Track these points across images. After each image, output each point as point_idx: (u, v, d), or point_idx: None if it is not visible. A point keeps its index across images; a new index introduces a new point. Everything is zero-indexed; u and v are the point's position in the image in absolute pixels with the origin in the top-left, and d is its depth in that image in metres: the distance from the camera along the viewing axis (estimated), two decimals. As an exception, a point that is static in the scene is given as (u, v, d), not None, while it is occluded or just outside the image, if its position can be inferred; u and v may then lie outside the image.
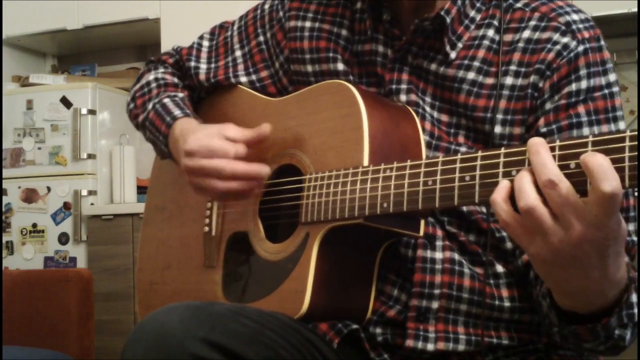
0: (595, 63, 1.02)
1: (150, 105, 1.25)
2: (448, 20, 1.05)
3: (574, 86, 1.01)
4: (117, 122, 3.42)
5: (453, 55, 1.07)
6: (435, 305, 1.03)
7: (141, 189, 3.39)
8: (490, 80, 1.05)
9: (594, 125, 1.00)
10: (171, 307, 0.91)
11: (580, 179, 0.74)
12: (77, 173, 3.32)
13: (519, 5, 1.07)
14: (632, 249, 0.99)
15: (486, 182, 0.83)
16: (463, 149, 1.05)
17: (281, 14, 1.23)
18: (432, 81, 1.08)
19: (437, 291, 1.03)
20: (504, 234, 1.04)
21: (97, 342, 2.13)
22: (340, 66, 1.15)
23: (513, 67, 1.04)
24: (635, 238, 1.01)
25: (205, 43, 1.33)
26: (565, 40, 1.02)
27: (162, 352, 0.86)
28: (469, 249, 1.05)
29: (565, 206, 0.74)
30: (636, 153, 0.72)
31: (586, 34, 1.03)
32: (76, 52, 4.08)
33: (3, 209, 3.38)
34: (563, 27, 1.03)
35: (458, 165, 0.86)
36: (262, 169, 1.08)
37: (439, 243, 1.04)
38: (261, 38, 1.26)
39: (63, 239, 3.29)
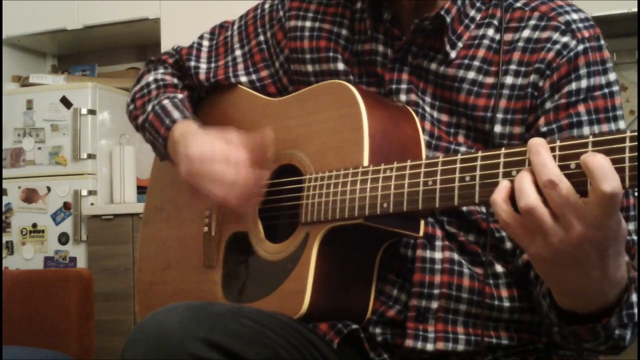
0: (595, 62, 1.02)
1: (149, 107, 1.24)
2: (448, 19, 1.05)
3: (574, 85, 1.01)
4: (117, 122, 3.42)
5: (453, 54, 1.07)
6: (434, 305, 1.03)
7: (141, 189, 3.40)
8: (490, 80, 1.05)
9: (594, 124, 1.00)
10: (171, 307, 0.91)
11: (580, 179, 0.74)
12: (77, 173, 3.32)
13: (518, 4, 1.07)
14: (632, 248, 0.99)
15: (486, 182, 0.83)
16: (463, 148, 1.05)
17: (281, 13, 1.23)
18: (432, 81, 1.08)
19: (436, 291, 1.03)
20: (504, 234, 1.04)
21: (97, 342, 2.13)
22: (341, 66, 1.15)
23: (513, 67, 1.04)
24: (635, 237, 1.01)
25: (205, 43, 1.33)
26: (565, 39, 1.02)
27: (162, 352, 0.86)
28: (468, 249, 1.05)
29: (566, 206, 0.74)
30: (636, 153, 0.72)
31: (586, 33, 1.03)
32: (76, 52, 4.09)
33: (3, 209, 3.38)
34: (563, 27, 1.03)
35: (458, 165, 0.86)
36: (263, 176, 1.07)
37: (438, 243, 1.04)
38: (261, 38, 1.26)
39: (63, 239, 3.29)
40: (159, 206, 1.35)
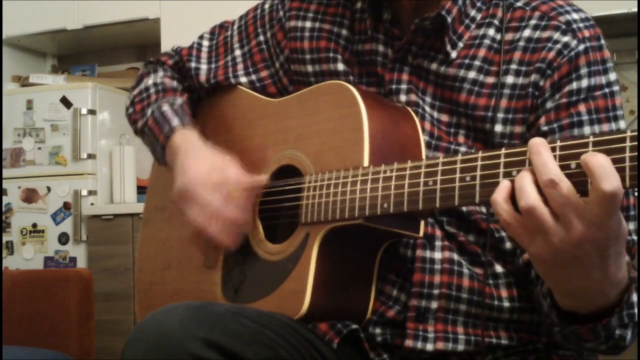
0: (595, 62, 1.02)
1: (149, 112, 1.24)
2: (449, 19, 1.05)
3: (574, 85, 1.01)
4: (117, 122, 3.42)
5: (454, 54, 1.07)
6: (434, 305, 1.03)
7: (141, 189, 3.40)
8: (491, 79, 1.05)
9: (595, 124, 1.01)
10: (171, 307, 0.91)
11: (581, 179, 0.74)
12: (77, 173, 3.32)
13: (519, 4, 1.07)
14: (632, 248, 0.99)
15: (487, 182, 0.82)
16: (463, 148, 1.05)
17: (281, 13, 1.23)
18: (432, 81, 1.08)
19: (436, 291, 1.03)
20: (503, 234, 1.04)
21: (97, 342, 2.13)
22: (341, 66, 1.15)
23: (514, 66, 1.04)
24: (635, 237, 1.01)
25: (206, 43, 1.32)
26: (565, 39, 1.02)
27: (162, 352, 0.86)
28: (468, 249, 1.05)
29: (566, 206, 0.74)
30: (636, 153, 0.72)
31: (586, 33, 1.03)
32: (76, 52, 4.09)
33: (3, 209, 3.38)
34: (563, 26, 1.03)
35: (458, 165, 0.86)
36: (247, 218, 1.09)
37: (438, 243, 1.04)
38: (261, 38, 1.26)
39: (63, 239, 3.29)
40: (159, 206, 1.35)
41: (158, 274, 1.30)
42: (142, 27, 3.61)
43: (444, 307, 1.03)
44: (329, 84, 1.09)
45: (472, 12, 1.08)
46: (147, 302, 1.31)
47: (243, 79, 1.25)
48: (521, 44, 1.04)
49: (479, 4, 1.08)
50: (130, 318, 3.08)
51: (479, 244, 1.05)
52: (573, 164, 0.75)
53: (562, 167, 0.75)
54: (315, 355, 0.97)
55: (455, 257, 1.04)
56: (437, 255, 1.03)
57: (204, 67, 1.29)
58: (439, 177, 0.88)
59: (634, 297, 0.87)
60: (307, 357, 0.95)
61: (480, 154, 0.84)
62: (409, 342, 1.02)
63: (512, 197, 0.78)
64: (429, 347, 1.02)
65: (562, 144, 0.76)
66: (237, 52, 1.28)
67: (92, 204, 3.28)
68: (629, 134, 0.73)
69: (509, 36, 1.05)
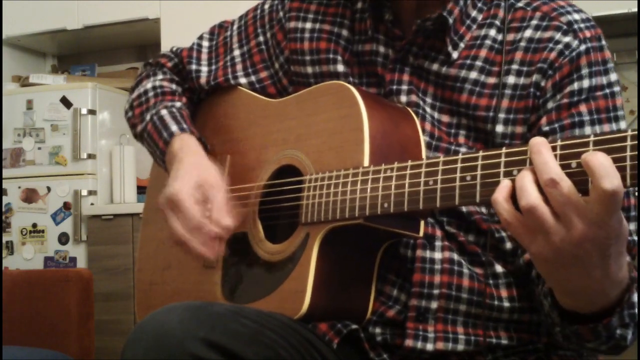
0: (596, 62, 1.02)
1: (148, 117, 1.24)
2: (451, 20, 1.05)
3: (575, 85, 1.01)
4: (117, 122, 3.42)
5: (455, 55, 1.07)
6: (434, 305, 1.03)
7: (141, 189, 3.40)
8: (492, 80, 1.05)
9: (596, 124, 1.01)
10: (171, 307, 0.91)
11: (581, 178, 0.74)
12: (77, 173, 3.32)
13: (520, 4, 1.07)
14: (632, 248, 0.99)
15: (487, 181, 0.82)
16: (463, 149, 1.05)
17: (281, 14, 1.23)
18: (433, 81, 1.08)
19: (436, 291, 1.02)
20: (503, 234, 1.04)
21: (97, 342, 2.13)
22: (340, 68, 1.14)
23: (515, 66, 1.04)
24: (636, 238, 1.01)
25: (205, 43, 1.32)
26: (567, 39, 1.02)
27: (162, 352, 0.85)
28: (468, 249, 1.05)
29: (567, 205, 0.74)
30: (637, 152, 0.72)
31: (588, 34, 1.03)
32: (76, 52, 4.09)
33: (3, 209, 3.38)
34: (565, 27, 1.03)
35: (459, 165, 0.86)
36: (222, 243, 1.07)
37: (438, 243, 1.04)
38: (261, 38, 1.26)
39: (63, 239, 3.29)
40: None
41: (158, 274, 1.30)
42: (142, 27, 3.61)
43: (444, 307, 1.03)
44: (329, 84, 1.09)
45: (473, 13, 1.08)
46: (147, 302, 1.31)
47: (242, 80, 1.25)
48: (522, 44, 1.04)
49: (480, 5, 1.08)
50: (130, 318, 3.08)
51: (479, 244, 1.05)
52: (574, 163, 0.75)
53: (563, 167, 0.75)
54: (315, 355, 0.97)
55: (456, 257, 1.04)
56: (437, 255, 1.03)
57: (204, 69, 1.29)
58: (439, 177, 0.88)
59: (635, 297, 0.87)
60: (307, 357, 0.95)
61: (480, 154, 0.84)
62: (409, 342, 1.02)
63: (513, 197, 0.78)
64: (429, 347, 1.02)
65: (562, 143, 0.77)
66: (237, 52, 1.27)
67: (92, 204, 3.28)
68: (629, 133, 0.73)
69: (510, 36, 1.05)
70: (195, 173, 1.09)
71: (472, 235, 1.05)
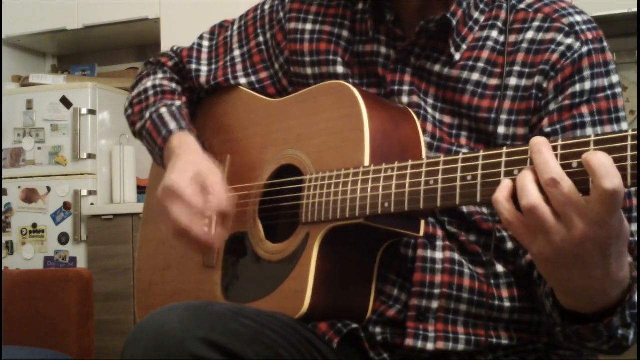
0: (598, 64, 1.02)
1: (147, 114, 1.24)
2: (454, 22, 1.05)
3: (577, 87, 1.01)
4: (117, 122, 3.42)
5: (457, 56, 1.06)
6: (435, 305, 1.03)
7: (141, 189, 3.40)
8: (494, 81, 1.05)
9: (597, 125, 1.01)
10: (171, 307, 0.91)
11: (582, 178, 0.74)
12: (77, 173, 3.32)
13: (522, 6, 1.07)
14: (634, 249, 0.99)
15: (488, 181, 0.82)
16: (464, 150, 1.05)
17: (282, 15, 1.23)
18: (434, 82, 1.08)
19: (437, 291, 1.02)
20: (504, 234, 1.04)
21: (97, 342, 2.13)
22: (340, 69, 1.14)
23: (517, 68, 1.04)
24: (637, 238, 1.00)
25: (205, 43, 1.32)
26: (569, 41, 1.02)
27: (162, 352, 0.85)
28: (469, 249, 1.05)
29: (568, 204, 0.74)
30: (637, 152, 0.72)
31: (589, 35, 1.03)
32: (76, 52, 4.09)
33: (3, 209, 3.38)
34: (567, 29, 1.03)
35: (460, 164, 0.86)
36: (221, 236, 1.07)
37: (439, 243, 1.04)
38: (261, 39, 1.26)
39: (63, 239, 3.29)
40: (159, 206, 1.35)
41: (158, 274, 1.30)
42: (142, 27, 3.61)
43: (445, 306, 1.03)
44: (329, 84, 1.09)
45: (476, 14, 1.08)
46: (147, 302, 1.31)
47: (242, 80, 1.25)
48: (524, 45, 1.04)
49: (482, 6, 1.08)
50: (130, 318, 3.08)
51: (479, 244, 1.05)
52: (574, 163, 0.75)
53: (564, 166, 0.75)
54: (316, 355, 0.97)
55: (456, 257, 1.04)
56: (438, 255, 1.03)
57: (204, 68, 1.29)
58: (440, 177, 0.88)
59: (636, 297, 0.87)
60: (307, 356, 0.95)
61: (481, 153, 0.84)
62: (409, 342, 1.02)
63: (514, 197, 0.78)
64: (429, 346, 1.02)
65: (563, 143, 0.77)
66: (237, 53, 1.27)
67: (92, 204, 3.28)
68: (630, 133, 0.73)
69: (512, 38, 1.05)
70: (193, 168, 1.09)
71: (473, 235, 1.05)
